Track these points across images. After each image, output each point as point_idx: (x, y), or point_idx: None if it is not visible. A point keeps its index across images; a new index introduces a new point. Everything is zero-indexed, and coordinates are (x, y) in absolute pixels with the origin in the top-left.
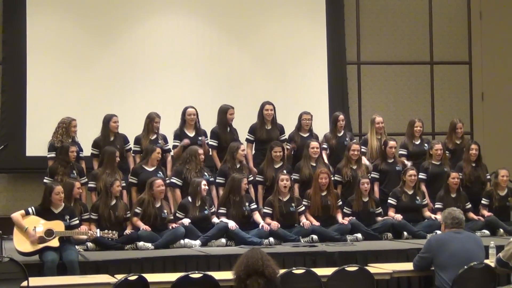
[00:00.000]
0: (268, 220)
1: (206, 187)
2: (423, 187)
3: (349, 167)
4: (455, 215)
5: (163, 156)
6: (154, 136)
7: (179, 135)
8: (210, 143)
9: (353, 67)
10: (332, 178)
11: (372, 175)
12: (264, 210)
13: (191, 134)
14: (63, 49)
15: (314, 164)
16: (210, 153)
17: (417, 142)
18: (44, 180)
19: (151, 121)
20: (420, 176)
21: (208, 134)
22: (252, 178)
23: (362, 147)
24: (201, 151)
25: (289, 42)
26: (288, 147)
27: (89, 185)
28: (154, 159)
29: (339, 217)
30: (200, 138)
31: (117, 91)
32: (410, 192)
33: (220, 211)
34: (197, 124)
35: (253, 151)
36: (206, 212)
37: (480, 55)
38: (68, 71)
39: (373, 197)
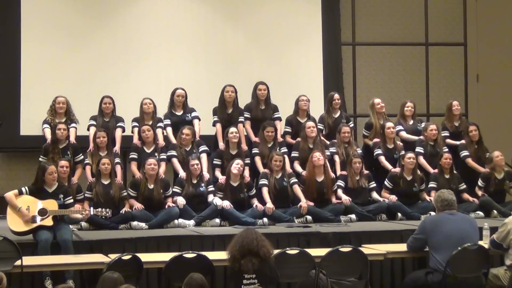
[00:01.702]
0: (264, 188)
1: (196, 167)
2: (422, 160)
3: (342, 146)
4: (443, 197)
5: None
6: (150, 121)
7: (168, 115)
8: (213, 120)
9: (348, 48)
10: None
11: (376, 151)
12: (261, 182)
13: (179, 113)
14: (57, 28)
15: (312, 146)
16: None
17: (410, 123)
18: (40, 159)
19: (141, 106)
20: (417, 150)
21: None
22: (248, 161)
23: (365, 130)
24: (186, 131)
25: (284, 23)
26: (287, 129)
27: (86, 161)
28: (144, 138)
29: (333, 198)
30: (188, 115)
31: (112, 70)
32: (409, 178)
33: (218, 195)
34: (186, 104)
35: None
36: (201, 189)
37: (476, 36)
38: (63, 50)
39: (365, 174)
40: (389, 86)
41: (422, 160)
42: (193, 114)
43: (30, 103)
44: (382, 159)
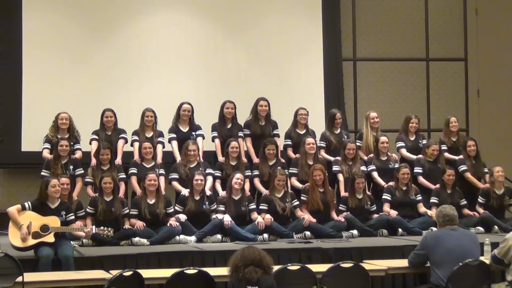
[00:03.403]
0: (262, 214)
1: (200, 183)
2: (421, 179)
3: (346, 164)
4: (445, 212)
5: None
6: (151, 133)
7: (174, 129)
8: (212, 135)
9: (348, 63)
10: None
11: (370, 167)
12: (261, 207)
13: (185, 129)
14: (59, 44)
15: (311, 163)
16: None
17: (412, 138)
18: (42, 173)
19: (143, 115)
20: (416, 170)
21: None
22: (251, 173)
23: (358, 141)
24: (192, 147)
25: (285, 38)
26: (286, 142)
27: (86, 179)
28: (144, 154)
29: (334, 214)
30: (193, 133)
31: (113, 86)
32: (404, 188)
33: (219, 208)
34: (192, 120)
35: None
36: (204, 207)
37: (476, 51)
38: (64, 66)
39: (367, 194)
40: (390, 102)
41: (421, 179)
42: (198, 132)
43: (32, 119)
44: (375, 175)
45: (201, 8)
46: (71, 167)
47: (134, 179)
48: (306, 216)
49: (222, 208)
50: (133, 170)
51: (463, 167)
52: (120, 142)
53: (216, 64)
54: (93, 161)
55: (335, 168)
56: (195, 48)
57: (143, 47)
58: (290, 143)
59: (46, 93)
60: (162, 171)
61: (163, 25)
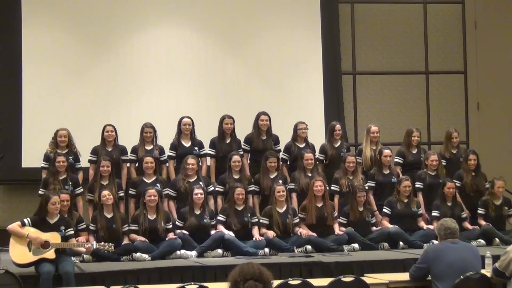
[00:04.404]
0: (264, 230)
1: (200, 196)
2: (420, 197)
3: (346, 178)
4: (447, 225)
5: (159, 166)
6: (151, 147)
7: (175, 145)
8: (208, 152)
9: (348, 77)
10: (329, 189)
11: (368, 183)
12: (261, 221)
13: (187, 144)
14: (58, 60)
15: (310, 175)
16: (209, 163)
17: (414, 152)
18: (39, 192)
19: (142, 131)
20: (417, 185)
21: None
22: (251, 188)
23: (358, 157)
24: (191, 160)
25: (285, 53)
26: (284, 157)
27: (87, 197)
28: (145, 169)
29: (336, 227)
30: (195, 148)
31: (113, 102)
32: (405, 201)
33: (220, 218)
34: (193, 134)
35: (249, 161)
36: (205, 221)
37: (475, 64)
38: (64, 82)
39: (368, 207)
40: (389, 115)
41: (421, 197)
42: (202, 151)
43: (32, 135)
44: (370, 194)
45: (201, 23)
46: (70, 184)
47: (132, 202)
48: (303, 231)
49: (222, 218)
50: (132, 191)
51: (457, 183)
52: (125, 167)
53: (215, 79)
54: (91, 180)
55: (334, 187)
56: (194, 62)
57: (143, 62)
58: (287, 157)
59: (46, 109)
60: (165, 191)
61: (163, 40)
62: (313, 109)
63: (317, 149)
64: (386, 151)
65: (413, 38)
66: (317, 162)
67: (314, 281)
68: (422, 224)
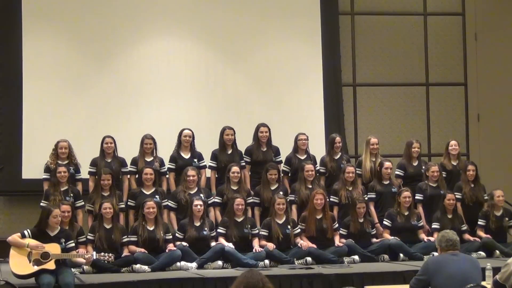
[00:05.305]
0: (264, 242)
1: (199, 208)
2: (420, 208)
3: (345, 189)
4: (448, 237)
5: (159, 178)
6: (151, 158)
7: (175, 157)
8: (209, 164)
9: (348, 89)
10: (329, 200)
11: (368, 195)
12: (261, 232)
13: (186, 156)
14: (59, 72)
15: (310, 186)
16: (208, 175)
17: (415, 164)
18: (41, 204)
19: (142, 142)
20: (417, 197)
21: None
22: (250, 200)
23: (357, 169)
24: (191, 172)
25: (285, 64)
26: (285, 169)
27: (87, 207)
28: (144, 180)
29: (337, 239)
30: (195, 160)
31: (113, 114)
32: (406, 213)
33: (220, 230)
34: (193, 146)
35: (249, 173)
36: (205, 233)
37: (476, 76)
38: (64, 94)
39: (369, 218)
40: (390, 127)
41: (420, 209)
42: (202, 163)
43: (32, 146)
44: (371, 206)
45: (201, 36)
46: (71, 195)
47: (132, 213)
48: (303, 242)
49: (222, 230)
50: (131, 202)
51: (457, 195)
52: (126, 180)
53: (216, 91)
54: (91, 191)
55: (333, 199)
56: (195, 75)
57: (143, 74)
58: (288, 169)
59: (46, 120)
60: (165, 202)
61: (163, 53)
62: (314, 121)
63: (318, 160)
64: (387, 163)
65: (414, 50)
66: (318, 174)
67: None
68: (423, 236)
